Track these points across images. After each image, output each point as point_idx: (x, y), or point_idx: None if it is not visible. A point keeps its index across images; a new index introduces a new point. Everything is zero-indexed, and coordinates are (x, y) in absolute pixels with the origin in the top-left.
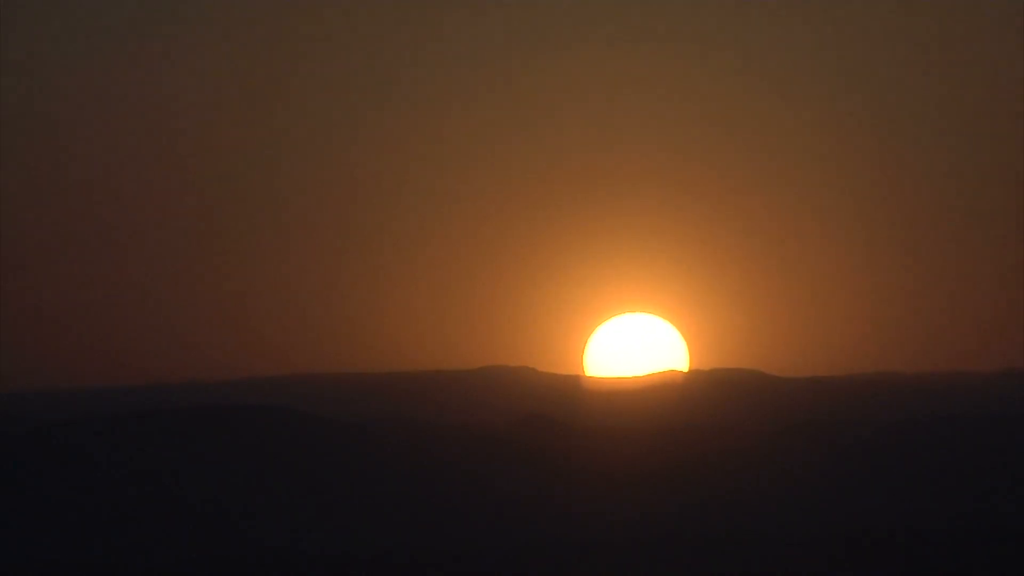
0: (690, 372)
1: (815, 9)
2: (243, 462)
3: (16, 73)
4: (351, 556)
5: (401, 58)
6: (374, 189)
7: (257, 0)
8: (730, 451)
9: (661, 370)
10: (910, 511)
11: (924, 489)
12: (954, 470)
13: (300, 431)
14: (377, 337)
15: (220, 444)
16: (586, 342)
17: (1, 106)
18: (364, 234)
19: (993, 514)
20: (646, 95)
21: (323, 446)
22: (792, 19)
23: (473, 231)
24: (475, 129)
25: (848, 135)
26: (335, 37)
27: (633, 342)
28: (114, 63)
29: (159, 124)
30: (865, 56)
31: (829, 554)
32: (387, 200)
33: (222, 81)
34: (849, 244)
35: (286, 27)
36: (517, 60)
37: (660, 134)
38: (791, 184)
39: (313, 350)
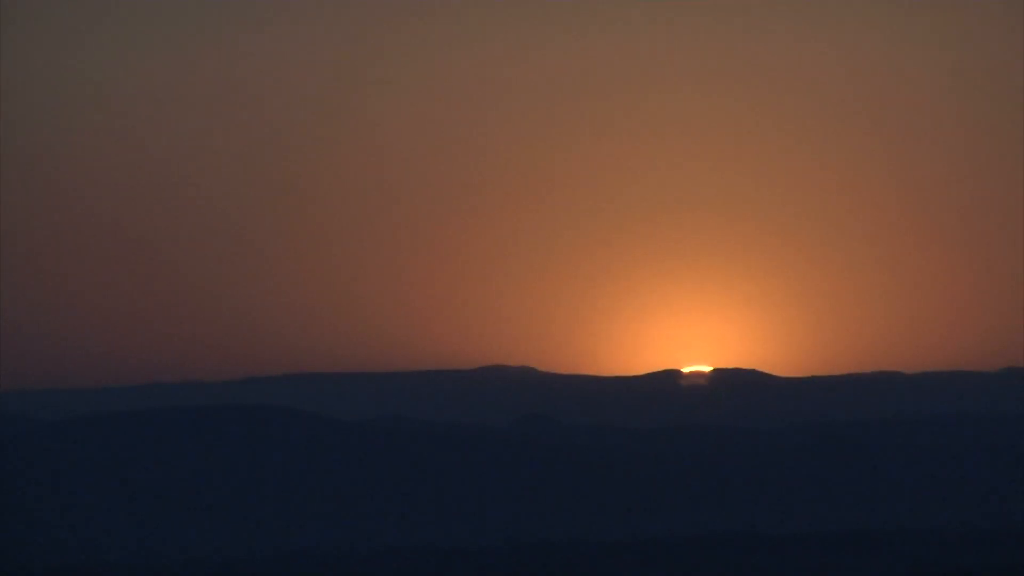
0: (691, 372)
1: (822, 17)
2: (243, 462)
3: (17, 73)
4: (351, 555)
5: (408, 58)
6: (374, 190)
7: (260, 5)
8: (730, 450)
9: (660, 370)
10: (911, 511)
11: (923, 489)
12: (954, 470)
13: (300, 431)
14: (377, 337)
15: (220, 444)
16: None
17: (1, 106)
18: (364, 235)
19: (993, 514)
20: (643, 95)
21: (323, 446)
22: (800, 30)
23: (473, 232)
24: (477, 132)
25: (848, 139)
26: (341, 38)
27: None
28: (116, 63)
29: (160, 126)
30: (864, 66)
31: (829, 553)
32: (387, 202)
33: (221, 82)
34: (849, 246)
35: (294, 30)
36: (521, 62)
37: (656, 139)
38: (792, 187)
39: (313, 350)
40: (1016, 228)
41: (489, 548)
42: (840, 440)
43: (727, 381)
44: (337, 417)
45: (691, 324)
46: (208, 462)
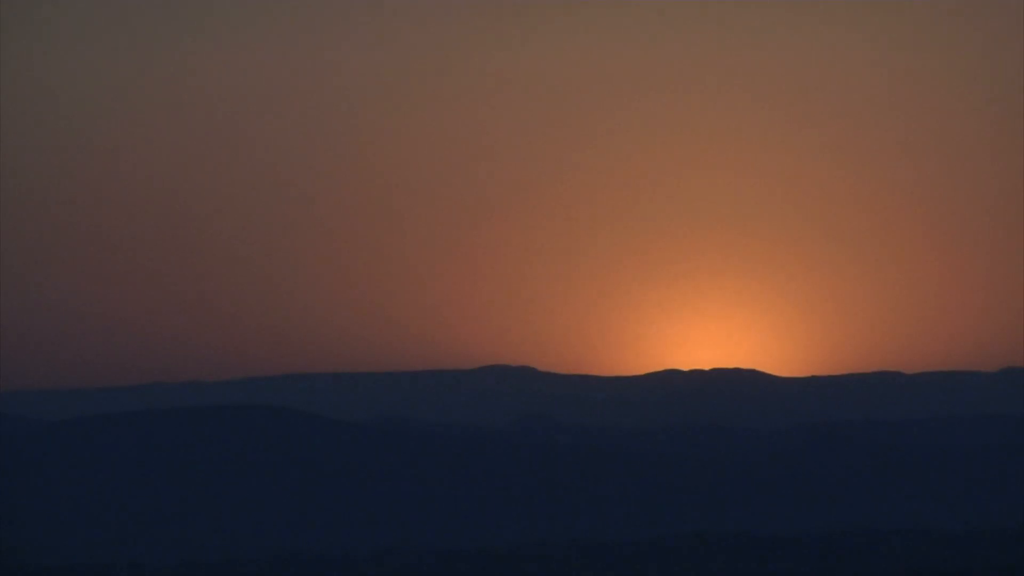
0: (690, 372)
1: (821, 21)
2: (243, 462)
3: (17, 73)
4: (351, 556)
5: (413, 58)
6: (375, 190)
7: (269, 8)
8: (730, 451)
9: (660, 370)
10: (911, 511)
11: (924, 489)
12: (954, 470)
13: (300, 431)
14: (377, 337)
15: (220, 444)
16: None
17: (2, 106)
18: (364, 235)
19: (993, 514)
20: (644, 99)
21: (323, 446)
22: (797, 33)
23: (474, 232)
24: (478, 133)
25: (848, 140)
26: (348, 38)
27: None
28: (119, 64)
29: (161, 126)
30: (863, 67)
31: (829, 553)
32: (388, 202)
33: (225, 83)
34: (849, 246)
35: (306, 30)
36: (523, 63)
37: (656, 142)
38: (792, 187)
39: (313, 350)
40: (1016, 228)
41: (489, 548)
42: (840, 440)
43: (727, 381)
44: (337, 417)
45: (691, 324)
46: (208, 462)
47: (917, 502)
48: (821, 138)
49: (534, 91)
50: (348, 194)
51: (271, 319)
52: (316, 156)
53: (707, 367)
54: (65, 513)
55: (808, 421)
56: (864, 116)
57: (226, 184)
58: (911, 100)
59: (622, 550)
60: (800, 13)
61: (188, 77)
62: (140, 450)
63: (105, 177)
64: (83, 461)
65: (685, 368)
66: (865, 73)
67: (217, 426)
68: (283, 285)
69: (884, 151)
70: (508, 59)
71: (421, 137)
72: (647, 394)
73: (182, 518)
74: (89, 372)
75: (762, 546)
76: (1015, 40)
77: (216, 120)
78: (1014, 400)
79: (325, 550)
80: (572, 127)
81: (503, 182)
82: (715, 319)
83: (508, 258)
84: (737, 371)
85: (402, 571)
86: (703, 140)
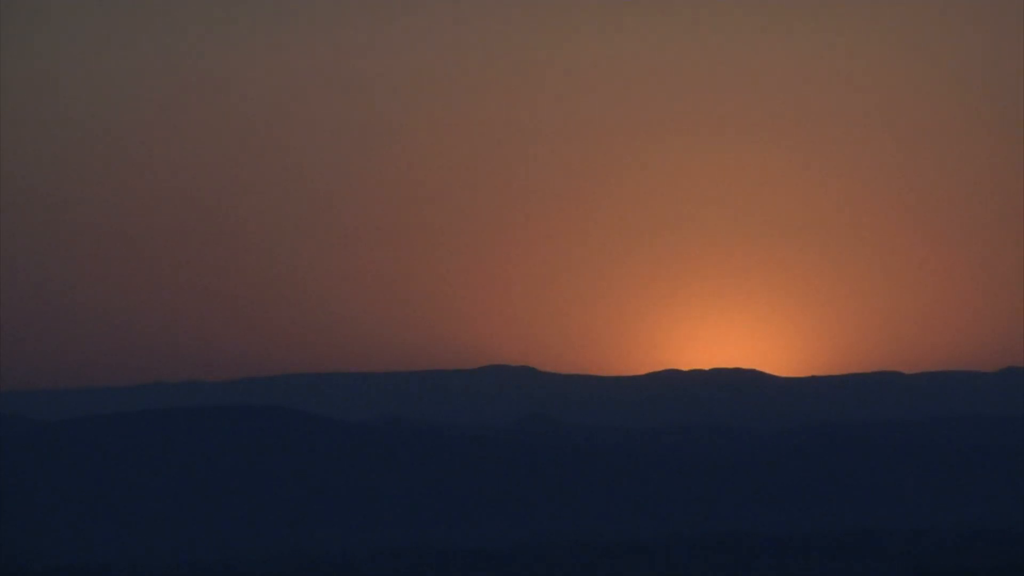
0: (690, 372)
1: (820, 19)
2: (243, 462)
3: (17, 73)
4: (351, 555)
5: (414, 54)
6: (374, 192)
7: (277, 5)
8: (730, 451)
9: (660, 370)
10: (911, 511)
11: (924, 489)
12: (954, 470)
13: (300, 431)
14: (377, 337)
15: (220, 444)
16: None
17: (2, 106)
18: (365, 235)
19: (993, 514)
20: (643, 96)
21: (323, 446)
22: (796, 30)
23: (474, 232)
24: (477, 132)
25: (848, 139)
26: (375, 34)
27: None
28: (121, 64)
29: (164, 124)
30: (862, 63)
31: (829, 554)
32: (389, 202)
33: (228, 83)
34: (849, 246)
35: (318, 29)
36: (518, 61)
37: (655, 139)
38: (792, 187)
39: (313, 350)
40: (1016, 228)
41: (489, 548)
42: (840, 440)
43: (727, 381)
44: (337, 417)
45: (691, 324)
46: (208, 462)
47: (917, 502)
48: (820, 138)
49: (537, 94)
50: (347, 196)
51: (272, 319)
52: (318, 157)
53: (707, 367)
54: (65, 513)
55: (808, 421)
56: (864, 116)
57: (228, 184)
58: (912, 100)
59: (622, 550)
60: (796, 12)
61: (198, 72)
62: (140, 450)
63: (106, 176)
64: (83, 461)
65: (685, 368)
66: (868, 74)
67: (217, 426)
68: (283, 285)
69: (883, 151)
70: (520, 63)
71: (420, 139)
72: (647, 394)
73: (182, 518)
74: (89, 372)
75: (762, 546)
76: (1015, 40)
77: (223, 118)
78: (1014, 400)
79: (325, 550)
80: (572, 129)
81: (504, 184)
82: (715, 319)
83: (509, 258)
84: (737, 371)
85: (402, 571)
86: (701, 140)
